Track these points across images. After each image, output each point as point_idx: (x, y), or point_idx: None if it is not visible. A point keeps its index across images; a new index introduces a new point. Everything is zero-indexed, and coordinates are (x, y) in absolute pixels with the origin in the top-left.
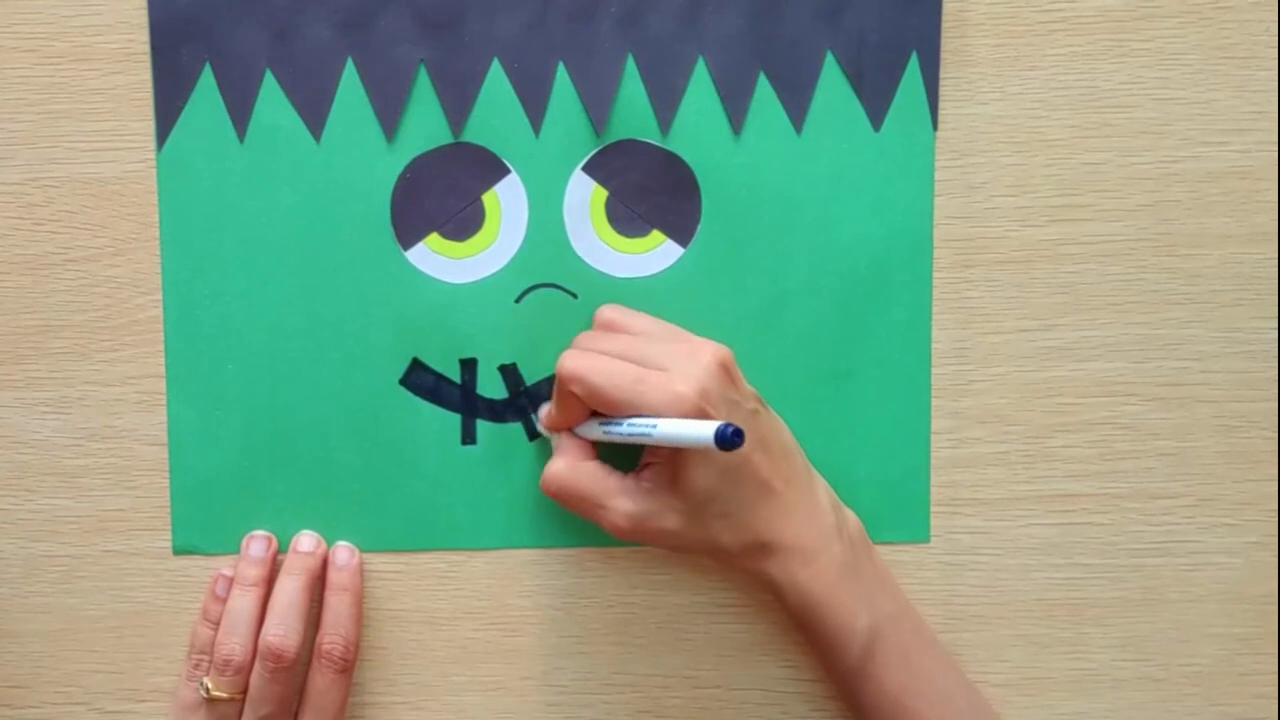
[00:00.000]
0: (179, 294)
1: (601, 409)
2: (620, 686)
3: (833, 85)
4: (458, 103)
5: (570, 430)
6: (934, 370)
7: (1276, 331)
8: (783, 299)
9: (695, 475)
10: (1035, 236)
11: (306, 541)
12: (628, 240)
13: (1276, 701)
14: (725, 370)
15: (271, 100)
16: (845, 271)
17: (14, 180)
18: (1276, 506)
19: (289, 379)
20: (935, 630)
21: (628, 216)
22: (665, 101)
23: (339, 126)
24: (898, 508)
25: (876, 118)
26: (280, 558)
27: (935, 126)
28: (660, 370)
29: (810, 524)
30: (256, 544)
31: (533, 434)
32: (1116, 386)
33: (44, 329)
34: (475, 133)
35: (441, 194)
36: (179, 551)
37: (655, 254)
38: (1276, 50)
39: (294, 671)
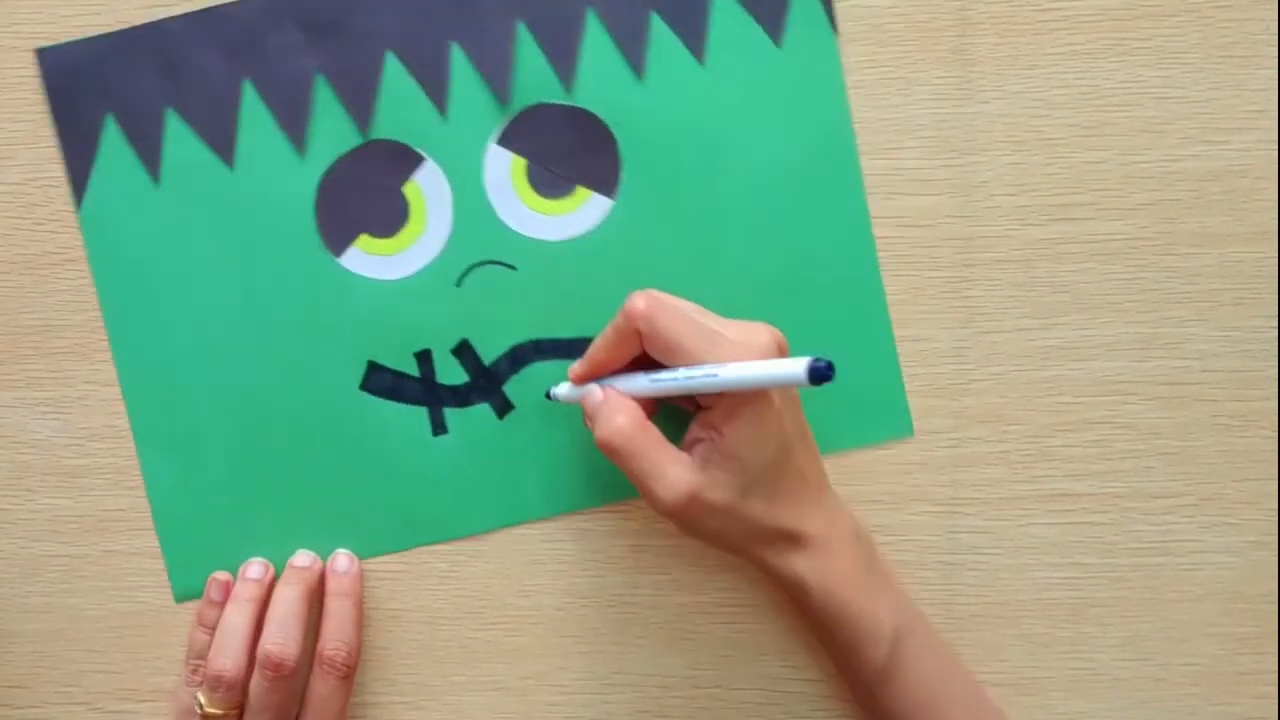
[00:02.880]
0: (128, 347)
1: (661, 353)
2: (620, 686)
3: (726, 9)
4: (360, 102)
5: (613, 388)
6: (934, 370)
7: (1276, 331)
8: (720, 226)
9: (752, 445)
10: (1035, 236)
11: (303, 559)
12: (555, 202)
13: (1276, 701)
14: (782, 352)
15: (178, 137)
16: (776, 188)
17: (14, 180)
18: (1276, 506)
19: (252, 408)
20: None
21: (550, 179)
22: (563, 60)
23: (249, 150)
24: (875, 406)
25: (775, 34)
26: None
27: (835, 30)
28: (726, 336)
29: (833, 520)
30: (254, 568)
31: (502, 411)
32: (1116, 386)
33: (44, 329)
34: (384, 128)
35: (363, 195)
36: (180, 599)
37: (585, 210)
38: (1276, 50)
39: (293, 680)
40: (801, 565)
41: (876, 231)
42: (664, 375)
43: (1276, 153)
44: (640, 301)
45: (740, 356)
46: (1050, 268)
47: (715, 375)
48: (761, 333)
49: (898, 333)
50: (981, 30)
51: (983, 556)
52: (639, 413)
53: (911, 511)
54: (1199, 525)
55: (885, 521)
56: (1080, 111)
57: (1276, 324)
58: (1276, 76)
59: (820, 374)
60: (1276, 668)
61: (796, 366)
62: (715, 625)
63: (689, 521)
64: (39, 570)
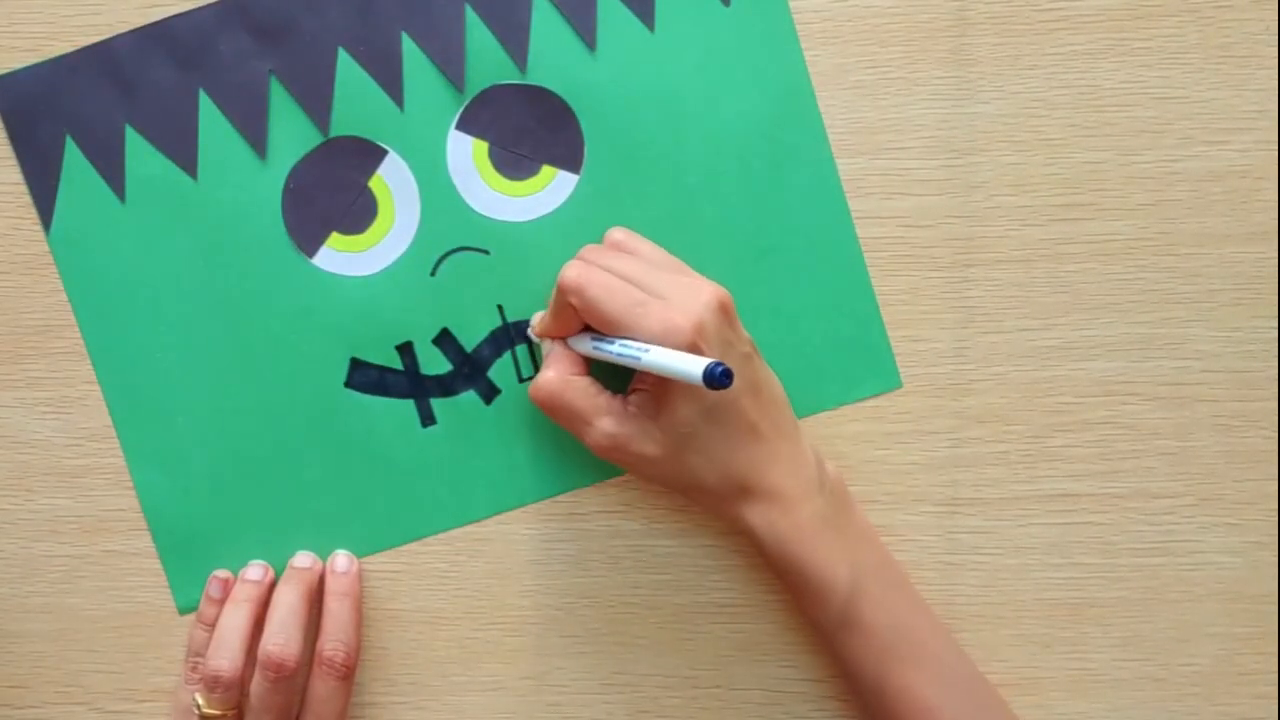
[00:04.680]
0: (110, 366)
1: (596, 325)
2: (620, 686)
3: None
4: (317, 102)
5: (562, 340)
6: (935, 370)
7: (1276, 331)
8: (688, 195)
9: (678, 410)
10: (1035, 236)
11: (303, 559)
12: (521, 183)
13: (1276, 701)
14: (724, 310)
15: (139, 153)
16: (740, 151)
17: (17, 180)
18: (1276, 506)
19: (238, 414)
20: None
21: (514, 160)
22: (514, 40)
23: (211, 159)
24: (861, 361)
25: None
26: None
27: None
28: (660, 298)
29: (793, 473)
30: (254, 569)
31: (489, 397)
32: (1116, 386)
33: (44, 329)
34: (343, 125)
35: (329, 194)
36: (185, 612)
37: (552, 188)
38: (1276, 50)
39: (295, 680)
40: (753, 517)
41: (875, 232)
42: (602, 343)
43: (1276, 153)
44: (571, 272)
45: (671, 320)
46: (1050, 268)
47: (639, 358)
48: (700, 294)
49: (898, 333)
50: (981, 30)
51: (983, 556)
52: (572, 368)
53: (911, 511)
54: (1199, 525)
55: (885, 521)
56: (1080, 112)
57: (1276, 324)
58: (1276, 76)
59: (716, 380)
60: (1276, 668)
61: (696, 367)
62: (715, 625)
63: (626, 467)
64: (39, 570)
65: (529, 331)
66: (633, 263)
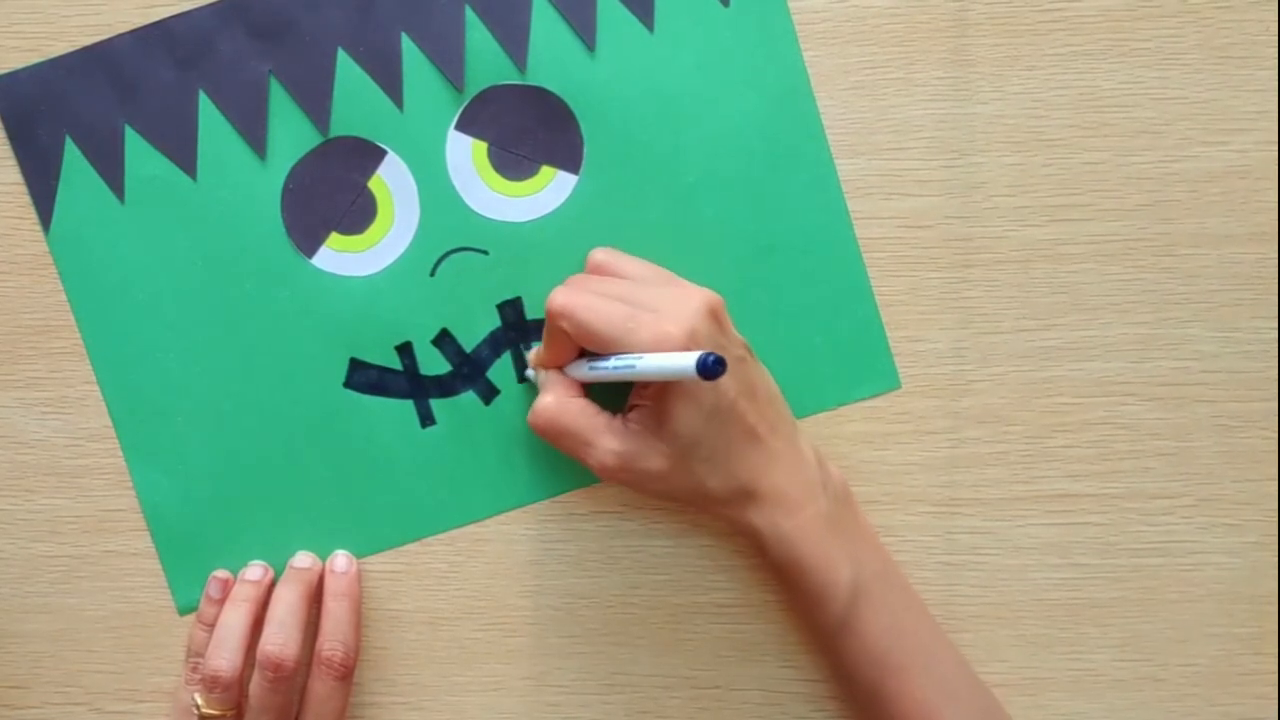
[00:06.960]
0: (109, 366)
1: (590, 345)
2: (620, 686)
3: None
4: (316, 102)
5: (558, 369)
6: (934, 370)
7: (1276, 331)
8: (688, 194)
9: (681, 417)
10: (1035, 236)
11: (303, 559)
12: (520, 183)
13: (1276, 701)
14: (714, 315)
15: (139, 154)
16: (740, 151)
17: (17, 180)
18: (1276, 506)
19: (237, 415)
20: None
21: (513, 160)
22: (514, 40)
23: (210, 159)
24: (860, 362)
25: None
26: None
27: None
28: (650, 311)
29: (795, 474)
30: (253, 570)
31: (488, 397)
32: (1116, 386)
33: (44, 329)
34: (343, 125)
35: (328, 194)
36: (185, 612)
37: (551, 188)
38: (1276, 50)
39: (294, 680)
40: (757, 519)
41: (875, 232)
42: (598, 363)
43: (1276, 153)
44: (559, 298)
45: (663, 330)
46: (1049, 268)
47: (633, 366)
48: (689, 301)
49: (897, 333)
50: (980, 31)
51: (982, 557)
52: (568, 391)
53: (910, 512)
54: (1198, 526)
55: (885, 522)
56: (1079, 112)
57: (1276, 324)
58: (1276, 77)
59: (709, 370)
60: (1276, 668)
61: (688, 361)
62: (715, 625)
63: (632, 487)
64: (39, 570)
65: (528, 371)
66: (617, 283)
